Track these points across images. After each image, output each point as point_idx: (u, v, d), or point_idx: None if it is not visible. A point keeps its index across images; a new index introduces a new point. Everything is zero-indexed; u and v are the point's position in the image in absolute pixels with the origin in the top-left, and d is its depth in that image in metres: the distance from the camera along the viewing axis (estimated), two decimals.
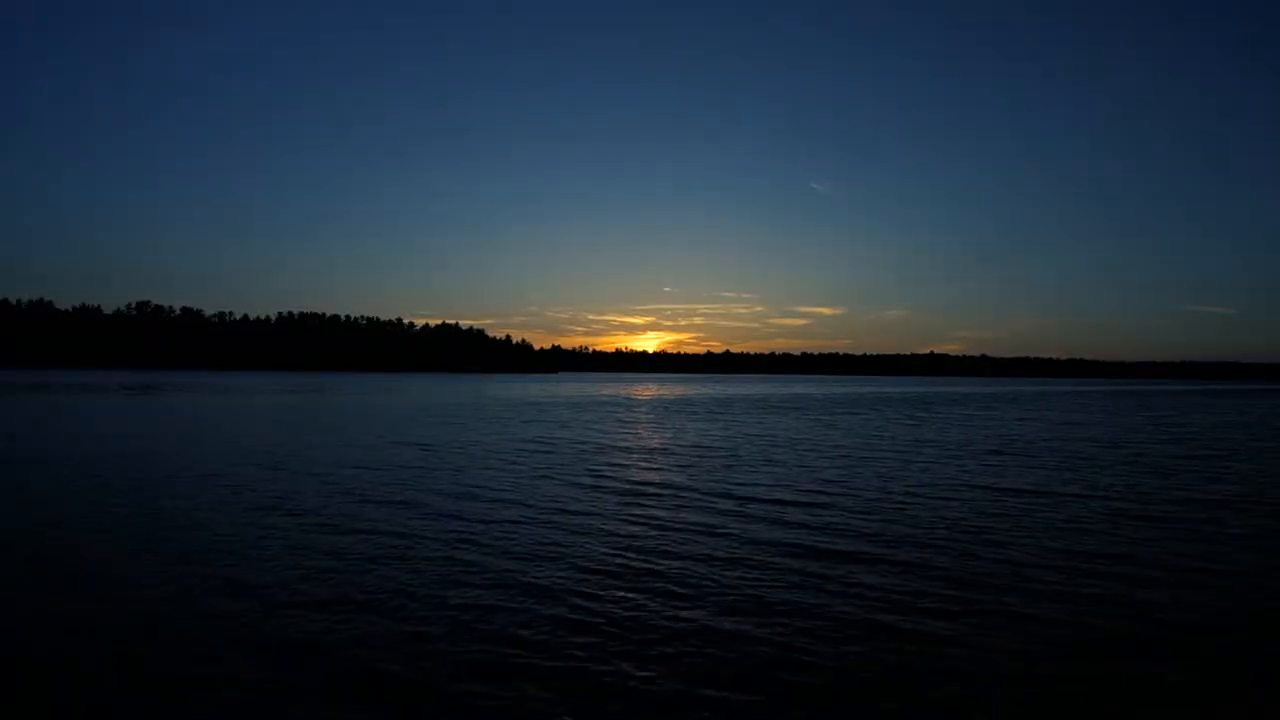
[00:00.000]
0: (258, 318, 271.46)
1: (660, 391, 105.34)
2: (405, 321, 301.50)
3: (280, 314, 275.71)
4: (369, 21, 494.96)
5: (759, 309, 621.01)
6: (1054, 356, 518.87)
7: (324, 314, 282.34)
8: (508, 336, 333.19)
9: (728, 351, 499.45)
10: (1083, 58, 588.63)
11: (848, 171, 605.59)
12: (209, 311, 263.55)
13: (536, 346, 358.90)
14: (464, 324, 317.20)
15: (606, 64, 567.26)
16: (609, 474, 21.11)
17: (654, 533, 13.85)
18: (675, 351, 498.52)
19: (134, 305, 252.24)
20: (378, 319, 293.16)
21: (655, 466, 22.75)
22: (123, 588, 9.90)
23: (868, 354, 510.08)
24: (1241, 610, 9.54)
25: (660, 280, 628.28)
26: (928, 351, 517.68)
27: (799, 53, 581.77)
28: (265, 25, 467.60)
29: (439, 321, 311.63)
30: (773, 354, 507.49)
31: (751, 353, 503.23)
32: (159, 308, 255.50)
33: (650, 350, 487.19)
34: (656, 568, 11.39)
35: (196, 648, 7.85)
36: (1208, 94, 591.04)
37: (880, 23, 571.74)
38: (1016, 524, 14.79)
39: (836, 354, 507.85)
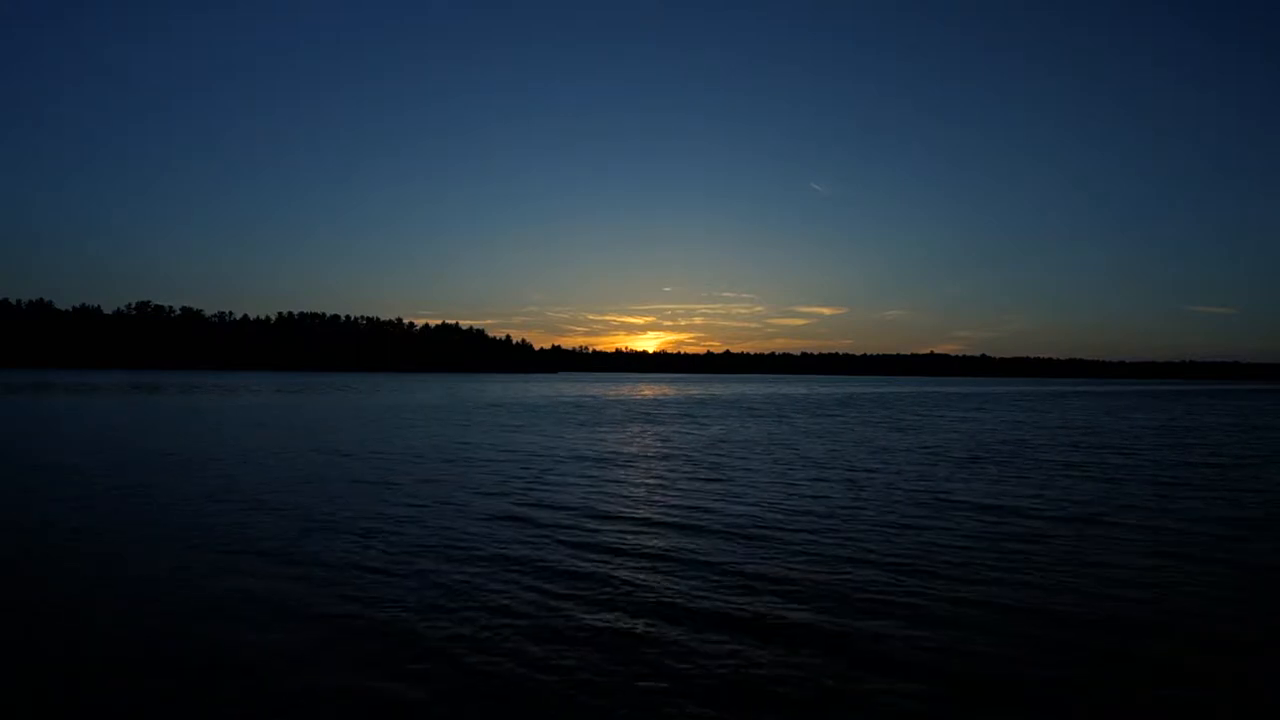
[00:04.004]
0: (258, 318, 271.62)
1: (647, 392, 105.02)
2: (405, 321, 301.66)
3: (280, 314, 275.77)
4: (369, 21, 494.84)
5: (759, 309, 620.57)
6: (1054, 356, 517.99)
7: (324, 314, 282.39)
8: (508, 336, 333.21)
9: (728, 352, 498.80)
10: (1083, 58, 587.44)
11: (848, 171, 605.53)
12: (209, 311, 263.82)
13: (536, 346, 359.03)
14: (464, 324, 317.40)
15: (607, 64, 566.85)
16: (531, 485, 19.24)
17: (554, 557, 11.97)
18: (675, 351, 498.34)
19: (134, 305, 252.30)
20: (378, 319, 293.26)
21: (586, 477, 21.19)
22: None
23: (868, 354, 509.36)
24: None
25: (660, 280, 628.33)
26: (928, 351, 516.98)
27: (799, 53, 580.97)
28: (265, 25, 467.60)
29: (439, 321, 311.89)
30: (773, 354, 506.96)
31: (751, 353, 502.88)
32: (159, 308, 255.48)
33: (650, 350, 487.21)
34: (545, 610, 9.32)
35: None
36: (1208, 94, 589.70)
37: (880, 23, 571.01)
38: (1015, 556, 12.37)
39: (836, 354, 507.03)
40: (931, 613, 9.55)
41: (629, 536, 13.64)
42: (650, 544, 13.09)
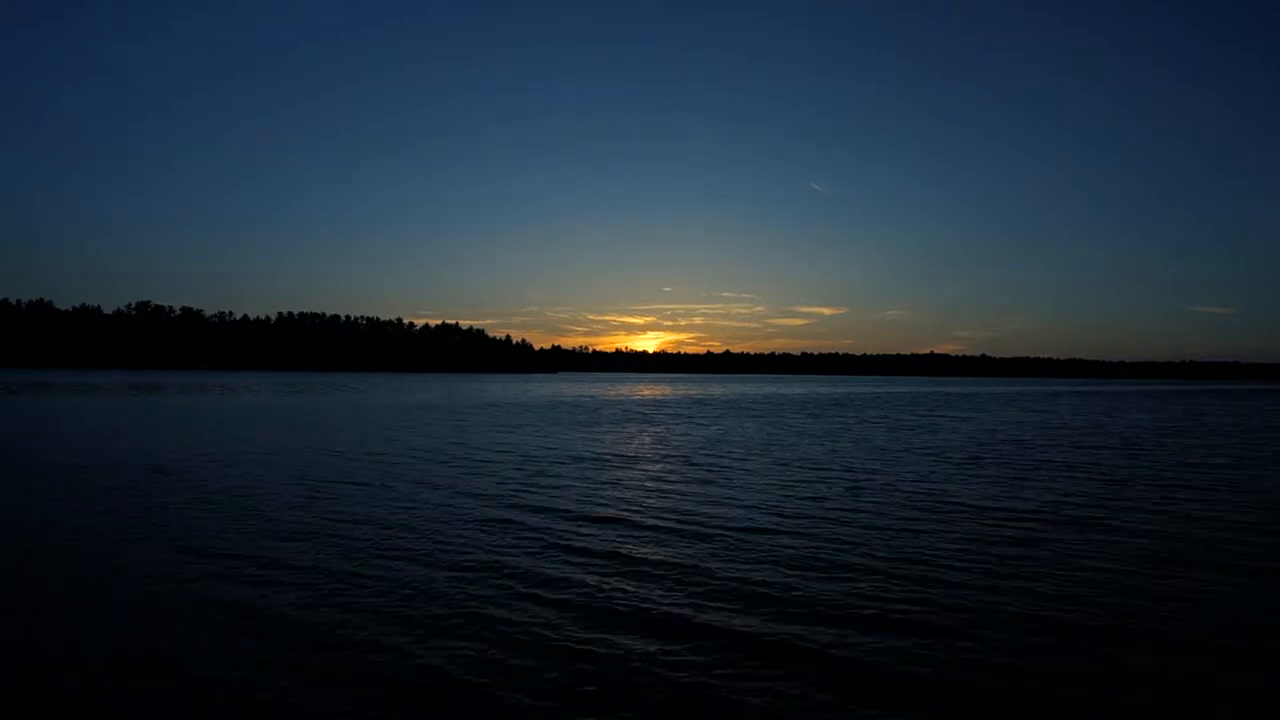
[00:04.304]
0: (258, 318, 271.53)
1: (646, 392, 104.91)
2: (405, 321, 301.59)
3: (280, 314, 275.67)
4: (369, 21, 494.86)
5: (759, 309, 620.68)
6: (1054, 356, 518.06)
7: (324, 314, 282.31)
8: (508, 336, 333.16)
9: (728, 352, 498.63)
10: (1083, 58, 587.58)
11: (848, 171, 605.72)
12: (209, 311, 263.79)
13: (536, 346, 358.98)
14: (464, 324, 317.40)
15: (607, 64, 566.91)
16: (525, 487, 18.88)
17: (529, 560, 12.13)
18: (675, 351, 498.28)
19: (134, 305, 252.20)
20: (378, 319, 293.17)
21: (580, 479, 21.20)
22: None
23: (868, 354, 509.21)
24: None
25: (660, 280, 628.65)
26: (928, 351, 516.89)
27: (799, 53, 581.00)
28: (265, 25, 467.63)
29: (439, 321, 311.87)
30: (773, 354, 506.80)
31: (751, 353, 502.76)
32: (159, 308, 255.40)
33: (650, 350, 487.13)
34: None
35: None
36: (1208, 94, 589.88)
37: (880, 23, 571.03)
38: (1015, 561, 12.13)
39: (836, 354, 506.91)
40: (927, 620, 9.47)
41: (621, 541, 13.52)
42: (643, 550, 12.98)
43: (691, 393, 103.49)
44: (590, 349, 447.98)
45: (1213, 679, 7.77)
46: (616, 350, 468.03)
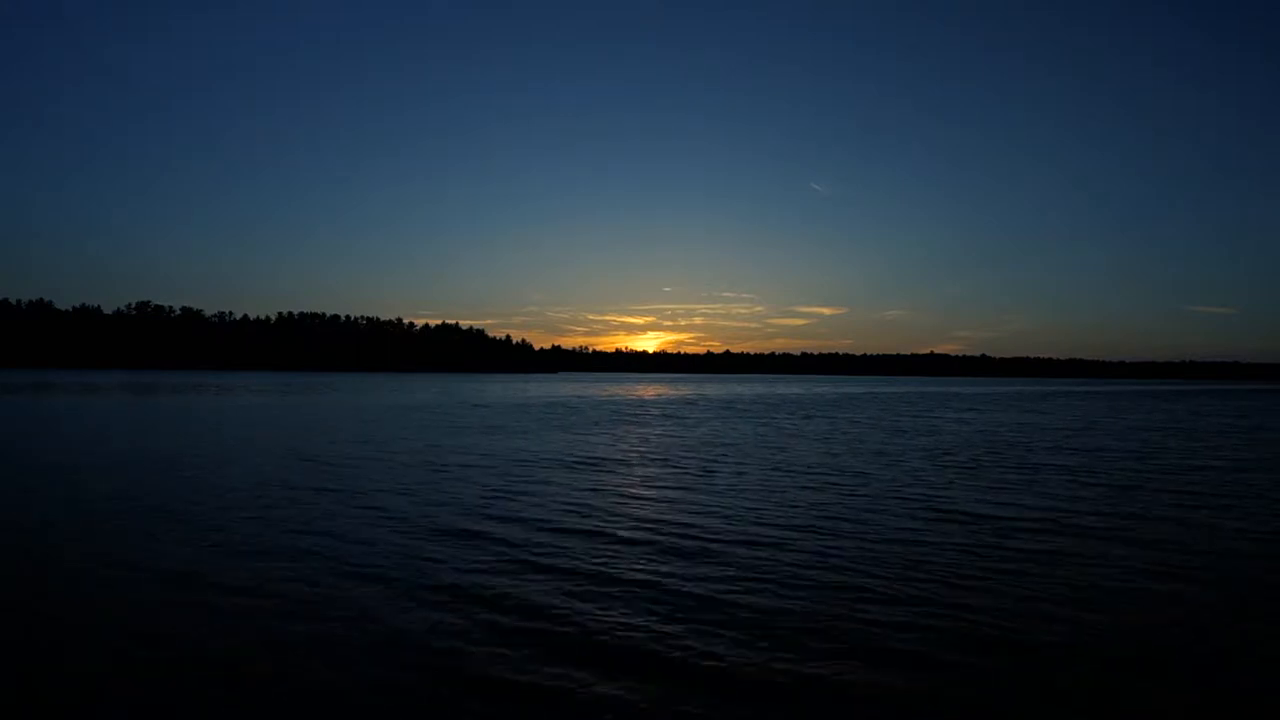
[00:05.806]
0: (258, 318, 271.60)
1: (644, 392, 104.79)
2: (405, 321, 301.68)
3: (280, 314, 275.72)
4: (369, 21, 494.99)
5: (759, 309, 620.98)
6: (1054, 356, 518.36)
7: (324, 314, 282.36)
8: (508, 336, 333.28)
9: (728, 352, 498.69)
10: (1083, 58, 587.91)
11: (848, 171, 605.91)
12: (209, 311, 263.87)
13: (536, 346, 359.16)
14: (464, 324, 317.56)
15: (607, 64, 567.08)
16: (506, 493, 18.13)
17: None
18: (675, 351, 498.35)
19: (134, 305, 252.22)
20: (378, 319, 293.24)
21: (564, 484, 20.96)
22: None
23: (868, 354, 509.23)
24: None
25: (660, 280, 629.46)
26: (928, 351, 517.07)
27: (799, 53, 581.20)
28: (265, 25, 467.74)
29: (439, 321, 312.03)
30: (773, 354, 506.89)
31: (751, 353, 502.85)
32: (159, 308, 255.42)
33: (650, 350, 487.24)
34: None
35: None
36: (1208, 94, 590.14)
37: (880, 23, 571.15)
38: (1012, 572, 11.75)
39: (836, 354, 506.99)
40: (921, 627, 9.39)
41: (601, 554, 12.54)
42: (626, 562, 12.21)
43: (690, 393, 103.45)
44: (590, 349, 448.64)
45: (1212, 686, 7.74)
46: (616, 350, 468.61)
